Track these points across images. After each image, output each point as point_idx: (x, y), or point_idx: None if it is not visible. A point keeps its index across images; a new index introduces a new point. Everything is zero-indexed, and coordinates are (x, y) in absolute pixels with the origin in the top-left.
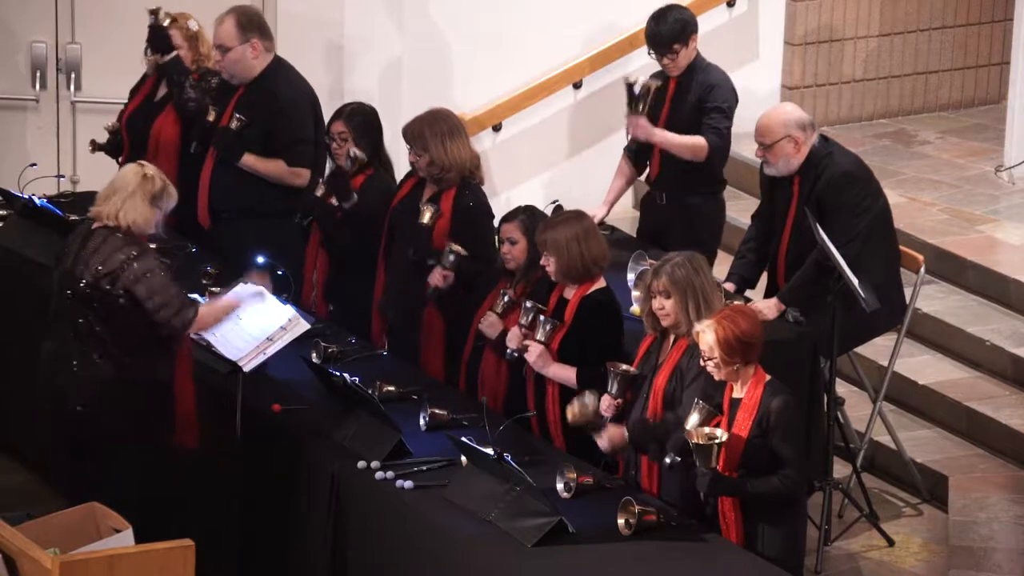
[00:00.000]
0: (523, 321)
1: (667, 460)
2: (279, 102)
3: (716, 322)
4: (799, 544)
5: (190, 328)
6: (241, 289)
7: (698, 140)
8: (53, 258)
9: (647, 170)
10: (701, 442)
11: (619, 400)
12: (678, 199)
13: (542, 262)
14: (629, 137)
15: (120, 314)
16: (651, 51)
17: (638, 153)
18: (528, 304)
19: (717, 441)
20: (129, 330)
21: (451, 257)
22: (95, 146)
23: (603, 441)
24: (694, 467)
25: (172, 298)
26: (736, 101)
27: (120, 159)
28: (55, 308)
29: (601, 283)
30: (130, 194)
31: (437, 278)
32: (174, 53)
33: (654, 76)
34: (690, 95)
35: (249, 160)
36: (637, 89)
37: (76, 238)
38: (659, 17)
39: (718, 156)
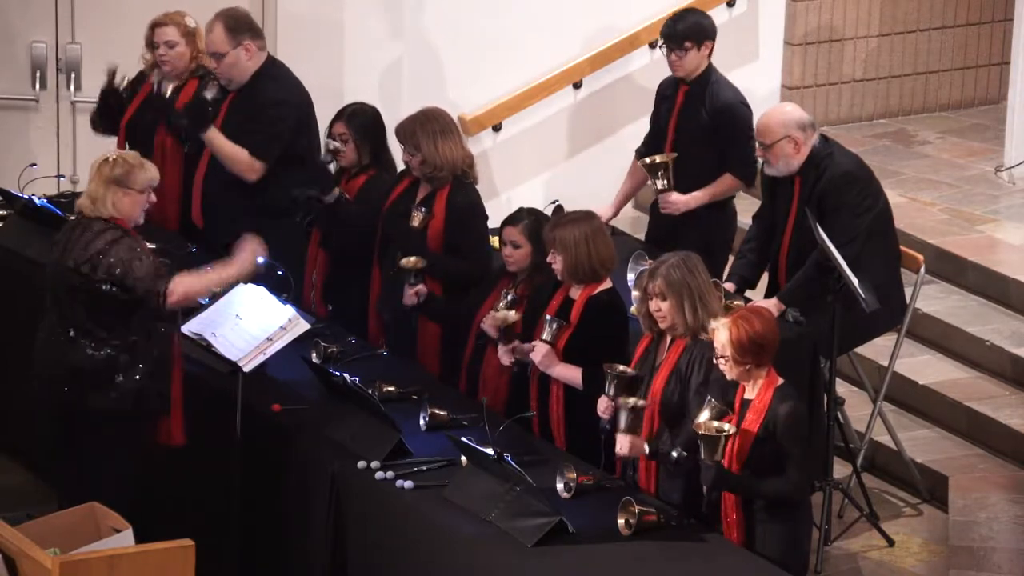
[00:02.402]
0: (546, 336)
1: (673, 454)
2: (264, 96)
3: (731, 321)
4: (803, 546)
5: (170, 303)
6: (233, 269)
7: (727, 181)
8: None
9: None
10: (709, 434)
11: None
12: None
13: (548, 259)
14: (661, 207)
15: (105, 302)
16: (662, 46)
17: (649, 155)
18: (548, 318)
19: (724, 434)
20: (117, 318)
21: (411, 277)
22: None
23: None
24: (699, 462)
25: (146, 274)
26: (751, 113)
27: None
28: (47, 300)
29: (607, 284)
30: (92, 182)
31: (409, 297)
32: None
33: (663, 86)
34: (702, 110)
35: (212, 135)
36: (659, 174)
37: (64, 232)
38: (680, 15)
39: (753, 180)
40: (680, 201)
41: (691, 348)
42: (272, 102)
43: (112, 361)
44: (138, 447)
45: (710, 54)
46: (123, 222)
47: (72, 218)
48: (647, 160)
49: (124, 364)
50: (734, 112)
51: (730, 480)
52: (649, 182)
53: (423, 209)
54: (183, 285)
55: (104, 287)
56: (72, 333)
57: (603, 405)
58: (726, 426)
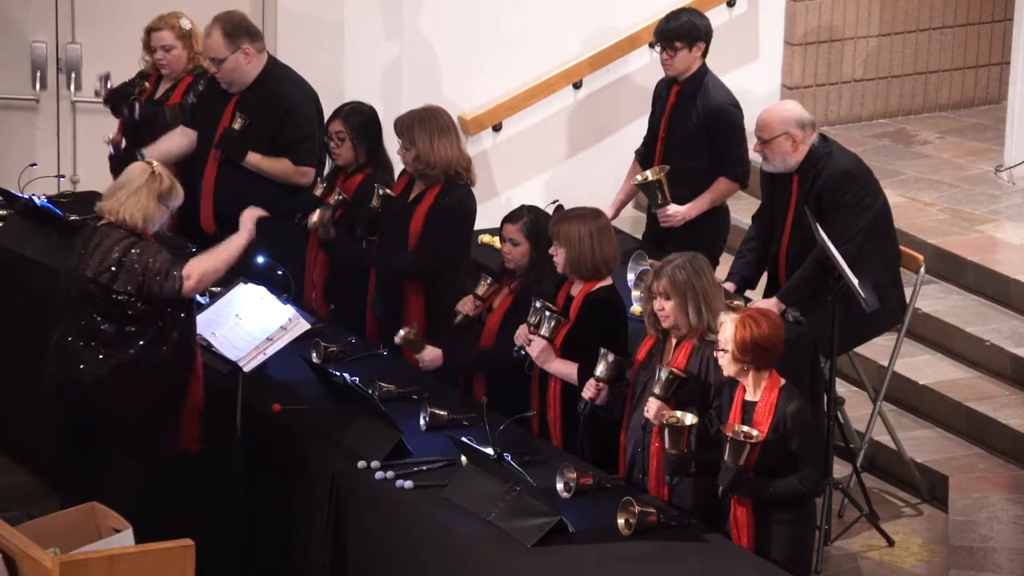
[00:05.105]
0: (532, 320)
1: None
2: (285, 103)
3: (740, 319)
4: (808, 546)
5: (188, 287)
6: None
7: (722, 185)
8: (54, 258)
9: None
10: (737, 439)
11: (603, 385)
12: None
13: (551, 251)
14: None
15: (125, 310)
16: (655, 44)
17: (646, 156)
18: (538, 304)
19: (752, 441)
20: (137, 327)
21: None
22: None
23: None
24: (703, 474)
25: (158, 269)
26: (742, 114)
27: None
28: (62, 308)
29: (607, 281)
30: (135, 191)
31: (591, 390)
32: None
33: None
34: (693, 110)
35: (254, 159)
36: (656, 191)
37: (82, 237)
38: (674, 14)
39: (747, 180)
40: (679, 213)
41: (700, 349)
42: (296, 105)
43: (131, 368)
44: (151, 453)
45: (704, 54)
46: (146, 232)
47: (94, 224)
48: (639, 179)
49: (142, 371)
50: (725, 114)
51: (749, 484)
52: (648, 201)
53: (382, 189)
54: (198, 267)
55: (124, 297)
56: (90, 341)
57: (591, 390)
58: (755, 432)
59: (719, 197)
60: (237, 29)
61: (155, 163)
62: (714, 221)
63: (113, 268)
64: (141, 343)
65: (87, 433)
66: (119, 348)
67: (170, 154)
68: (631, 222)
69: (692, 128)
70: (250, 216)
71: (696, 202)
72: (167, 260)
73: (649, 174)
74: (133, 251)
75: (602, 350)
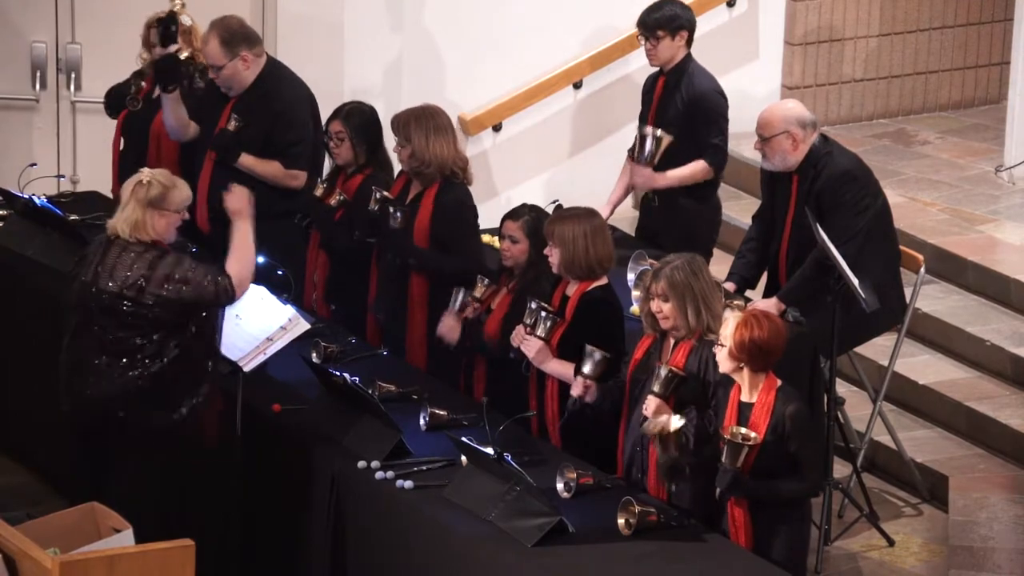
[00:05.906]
0: (527, 321)
1: (673, 488)
2: (279, 104)
3: (743, 318)
4: (805, 546)
5: (240, 293)
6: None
7: (699, 166)
8: (54, 258)
9: None
10: (735, 441)
11: (591, 383)
12: (670, 200)
13: (545, 251)
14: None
15: (148, 324)
16: (639, 35)
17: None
18: (533, 305)
19: (749, 443)
20: (156, 339)
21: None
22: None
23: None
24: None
25: (202, 283)
26: (726, 103)
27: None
28: (77, 320)
29: (603, 281)
30: (125, 205)
31: (579, 388)
32: (174, 47)
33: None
34: (678, 99)
35: (247, 161)
36: (649, 142)
37: (95, 250)
38: (656, 4)
39: (723, 167)
40: (647, 174)
41: (698, 349)
42: (289, 106)
43: (161, 379)
44: (160, 455)
45: (687, 44)
46: (160, 242)
47: (107, 238)
48: (647, 131)
49: (172, 380)
50: (708, 100)
51: (747, 486)
52: (636, 149)
53: (398, 214)
54: (236, 268)
55: (158, 310)
56: (111, 353)
57: (579, 387)
58: (752, 434)
59: (691, 176)
60: (235, 37)
61: (145, 171)
62: (706, 216)
63: (141, 282)
64: (165, 351)
65: (100, 440)
66: (141, 358)
67: (180, 117)
68: (630, 221)
69: (679, 117)
70: (239, 197)
71: (667, 174)
72: (208, 270)
73: (660, 132)
74: (160, 267)
75: (587, 348)
